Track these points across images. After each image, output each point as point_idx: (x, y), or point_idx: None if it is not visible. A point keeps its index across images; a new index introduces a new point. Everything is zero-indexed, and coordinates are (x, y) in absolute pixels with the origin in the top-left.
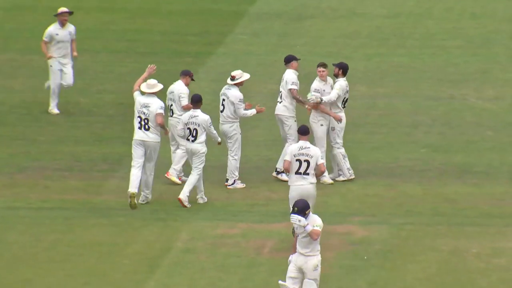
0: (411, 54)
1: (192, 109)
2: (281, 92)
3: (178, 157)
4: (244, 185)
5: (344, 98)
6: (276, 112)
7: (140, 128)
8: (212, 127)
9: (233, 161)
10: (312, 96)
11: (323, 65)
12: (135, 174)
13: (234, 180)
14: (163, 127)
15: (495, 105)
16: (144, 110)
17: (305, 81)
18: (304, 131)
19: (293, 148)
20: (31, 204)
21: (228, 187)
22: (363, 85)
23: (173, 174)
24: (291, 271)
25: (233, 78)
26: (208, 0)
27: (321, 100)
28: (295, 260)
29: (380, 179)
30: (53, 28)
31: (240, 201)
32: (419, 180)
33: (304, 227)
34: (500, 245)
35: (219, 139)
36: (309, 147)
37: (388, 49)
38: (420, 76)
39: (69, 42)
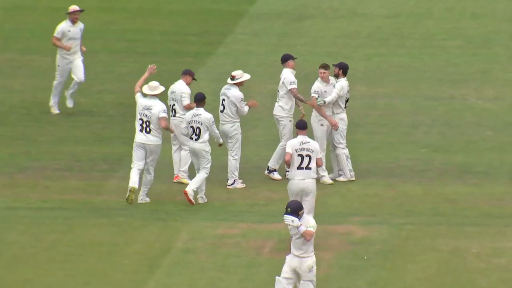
0: (411, 54)
1: (195, 108)
2: (278, 91)
3: (184, 159)
4: (244, 185)
5: (346, 98)
6: (273, 112)
7: (141, 131)
8: (214, 125)
9: (233, 161)
10: (320, 102)
11: (324, 66)
12: (135, 172)
13: (234, 180)
14: (168, 129)
15: (495, 105)
16: (146, 112)
17: (305, 81)
18: (302, 126)
19: (293, 142)
20: (31, 204)
21: (228, 187)
22: (363, 85)
23: (183, 176)
24: (286, 271)
25: (233, 78)
26: (208, 0)
27: (324, 102)
28: (289, 262)
29: (380, 179)
30: (65, 25)
31: (240, 201)
32: (419, 180)
33: (298, 227)
34: (500, 245)
35: (221, 140)
36: (309, 142)
37: (388, 49)
38: (420, 76)
39: (79, 40)
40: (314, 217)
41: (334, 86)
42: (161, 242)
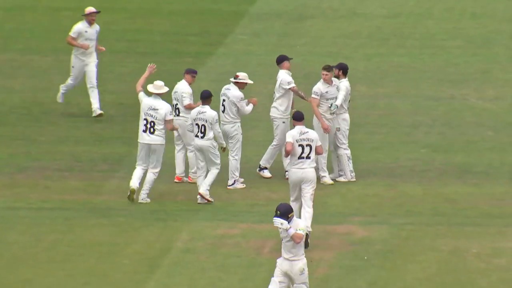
0: (411, 54)
1: (201, 105)
2: (275, 93)
3: (192, 160)
4: (244, 186)
5: (348, 99)
6: (270, 113)
7: (145, 131)
8: (217, 124)
9: (234, 161)
10: (334, 109)
11: (327, 68)
12: (137, 172)
13: (234, 181)
14: (173, 130)
15: (495, 105)
16: (152, 112)
17: (305, 81)
18: (299, 117)
19: (293, 133)
20: (31, 204)
21: (228, 187)
22: (363, 85)
23: (194, 177)
24: (277, 275)
25: (236, 77)
26: (208, 0)
27: (337, 107)
28: (280, 265)
29: (380, 179)
30: (82, 26)
31: (240, 201)
32: (419, 180)
33: (287, 230)
34: (500, 245)
35: (224, 144)
36: (307, 131)
37: (388, 49)
38: (420, 76)
39: (95, 41)
40: (314, 217)
41: (337, 88)
42: (161, 242)
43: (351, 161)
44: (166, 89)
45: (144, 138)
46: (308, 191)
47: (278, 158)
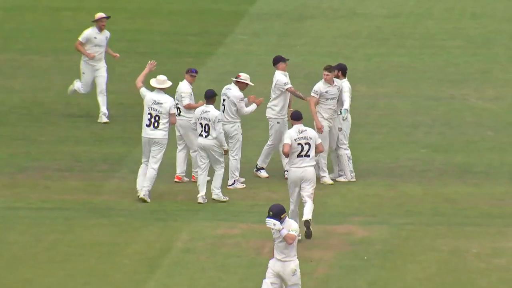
0: (411, 54)
1: (205, 104)
2: (271, 94)
3: (194, 160)
4: (245, 186)
5: None
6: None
7: (148, 125)
8: (220, 124)
9: (234, 161)
10: (345, 115)
11: (328, 68)
12: (142, 171)
13: (234, 181)
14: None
15: (495, 105)
16: (156, 107)
17: (305, 81)
18: (297, 117)
19: (291, 132)
20: (31, 204)
21: (228, 187)
22: (363, 85)
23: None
24: (269, 276)
25: (237, 77)
26: (208, 0)
27: (347, 110)
28: (272, 266)
29: (380, 179)
30: (92, 31)
31: (240, 201)
32: (419, 180)
33: (279, 231)
34: (500, 245)
35: (226, 146)
36: (306, 130)
37: (388, 49)
38: (420, 76)
39: (104, 47)
40: (314, 217)
41: (338, 89)
42: (161, 242)
43: (351, 161)
44: (169, 83)
45: (148, 132)
46: (308, 190)
47: (277, 158)
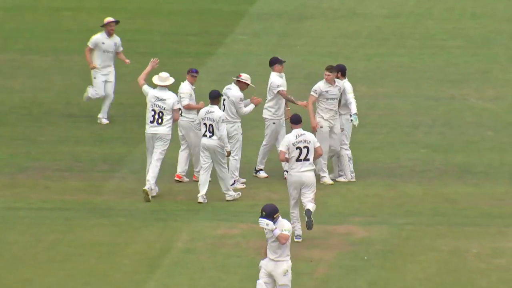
0: (411, 54)
1: (209, 105)
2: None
3: (196, 160)
4: (245, 186)
5: None
6: None
7: (152, 121)
8: (223, 124)
9: (234, 161)
10: (356, 121)
11: (329, 69)
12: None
13: (234, 181)
14: (177, 120)
15: (495, 105)
16: (159, 103)
17: (305, 81)
18: (296, 120)
19: (289, 138)
20: (31, 204)
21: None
22: (363, 85)
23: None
24: (262, 276)
25: (238, 76)
26: (208, 0)
27: (356, 114)
28: (265, 266)
29: (380, 179)
30: (100, 36)
31: (241, 201)
32: (419, 180)
33: (272, 231)
34: (500, 245)
35: (229, 147)
36: (304, 133)
37: (388, 49)
38: (420, 76)
39: (113, 53)
40: (315, 217)
41: (339, 90)
42: (161, 242)
43: (351, 162)
44: (171, 80)
45: (151, 128)
46: (308, 195)
47: (276, 158)
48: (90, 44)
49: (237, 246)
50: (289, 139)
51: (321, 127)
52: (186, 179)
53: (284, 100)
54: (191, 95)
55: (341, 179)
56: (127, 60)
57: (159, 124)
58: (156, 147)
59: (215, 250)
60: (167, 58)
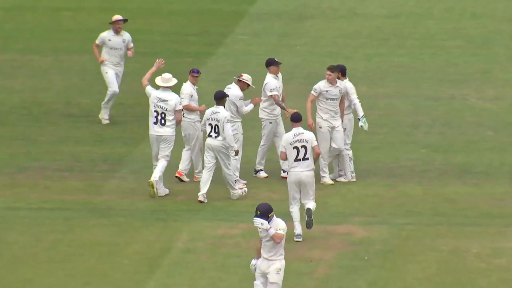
0: (411, 54)
1: (215, 105)
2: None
3: (196, 161)
4: (245, 186)
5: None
6: None
7: (155, 123)
8: (228, 124)
9: (234, 161)
10: (365, 125)
11: (331, 69)
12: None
13: (235, 180)
14: (180, 121)
15: (496, 105)
16: (162, 104)
17: (305, 81)
18: (296, 118)
19: (288, 137)
20: (31, 204)
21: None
22: (363, 85)
23: (199, 176)
24: (258, 277)
25: (240, 76)
26: (208, 0)
27: (364, 116)
28: (259, 266)
29: (380, 179)
30: (107, 34)
31: (241, 201)
32: (419, 180)
33: (267, 230)
34: (500, 245)
35: (235, 146)
36: (303, 133)
37: (388, 49)
38: (420, 76)
39: (121, 50)
40: (315, 218)
41: (340, 91)
42: (161, 242)
43: (352, 162)
44: (174, 81)
45: (156, 130)
46: (308, 196)
47: (275, 158)
48: (97, 41)
49: (237, 246)
50: (287, 138)
51: (320, 127)
52: (186, 179)
53: (281, 99)
54: (192, 95)
55: (341, 179)
56: (130, 52)
57: (163, 125)
58: (162, 149)
59: (215, 250)
60: (167, 58)
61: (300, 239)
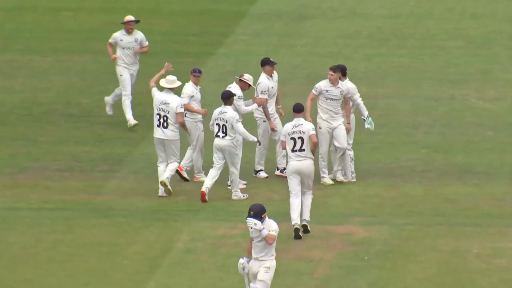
0: (412, 54)
1: (222, 105)
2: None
3: (196, 161)
4: (245, 186)
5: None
6: None
7: (158, 126)
8: (239, 123)
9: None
10: (371, 126)
11: (333, 69)
12: (161, 169)
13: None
14: (183, 126)
15: (496, 106)
16: (163, 107)
17: (305, 81)
18: (297, 109)
19: (287, 127)
20: (31, 205)
21: (228, 187)
22: (363, 86)
23: (200, 177)
24: (253, 281)
25: (241, 76)
26: (208, 0)
27: (369, 116)
28: (250, 267)
29: (380, 180)
30: (119, 34)
31: (241, 201)
32: (419, 181)
33: (260, 231)
34: (500, 245)
35: (255, 138)
36: (302, 124)
37: (388, 49)
38: (421, 77)
39: (133, 50)
40: (314, 218)
41: (341, 92)
42: (162, 243)
43: (353, 162)
44: (178, 83)
45: (159, 133)
46: (307, 184)
47: (275, 158)
48: (110, 40)
49: (237, 246)
50: (286, 129)
51: (320, 128)
52: (185, 174)
53: (273, 98)
54: (192, 96)
55: (340, 177)
56: (136, 48)
57: (165, 127)
58: (169, 154)
59: (215, 250)
60: (167, 58)
61: (305, 223)
